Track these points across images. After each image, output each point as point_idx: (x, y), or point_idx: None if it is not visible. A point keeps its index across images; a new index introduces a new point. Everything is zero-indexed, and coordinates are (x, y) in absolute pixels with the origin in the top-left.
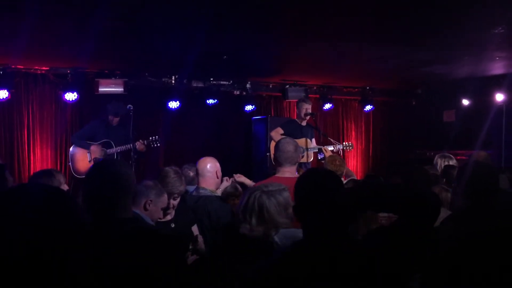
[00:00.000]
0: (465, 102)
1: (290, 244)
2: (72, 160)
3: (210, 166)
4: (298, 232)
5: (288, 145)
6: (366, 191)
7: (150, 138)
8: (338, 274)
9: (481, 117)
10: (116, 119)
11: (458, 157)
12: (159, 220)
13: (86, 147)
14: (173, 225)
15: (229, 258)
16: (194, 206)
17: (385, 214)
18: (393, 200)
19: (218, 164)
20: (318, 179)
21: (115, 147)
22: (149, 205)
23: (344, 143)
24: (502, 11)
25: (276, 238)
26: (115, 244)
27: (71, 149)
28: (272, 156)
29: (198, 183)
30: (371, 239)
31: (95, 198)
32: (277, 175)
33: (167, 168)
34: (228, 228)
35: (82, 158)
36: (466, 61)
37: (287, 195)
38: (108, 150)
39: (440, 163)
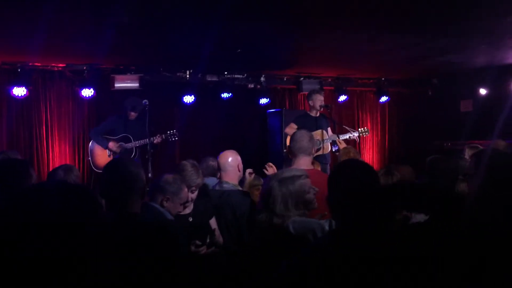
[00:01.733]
0: (483, 91)
1: (322, 237)
2: (92, 155)
3: (231, 159)
4: (312, 222)
5: (303, 136)
6: (401, 192)
7: (168, 132)
8: (372, 269)
9: (499, 107)
10: (134, 114)
11: None
12: (177, 213)
13: (104, 145)
14: (191, 219)
15: (254, 251)
16: (218, 201)
17: None
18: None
19: (239, 158)
20: (355, 172)
21: (134, 141)
22: (166, 202)
23: (359, 129)
24: None
25: (290, 228)
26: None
27: (90, 144)
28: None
29: (220, 177)
30: (407, 235)
31: (105, 195)
32: (292, 167)
33: (184, 162)
34: (250, 221)
35: (102, 153)
36: (482, 50)
37: (301, 183)
38: (127, 145)
39: (469, 152)
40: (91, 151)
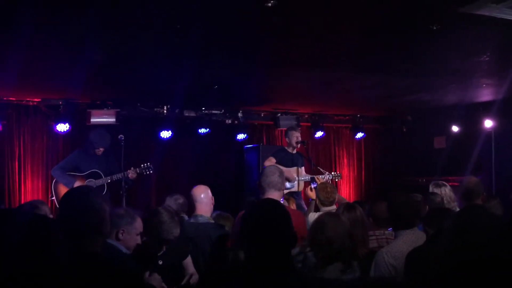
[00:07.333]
0: (455, 128)
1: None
2: (56, 194)
3: (206, 193)
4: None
5: (272, 171)
6: None
7: (142, 165)
8: None
9: (471, 143)
10: (101, 150)
11: (450, 183)
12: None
13: (70, 183)
14: (160, 262)
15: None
16: (194, 233)
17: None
18: None
19: (210, 191)
20: (265, 212)
21: (104, 177)
22: (121, 235)
23: (332, 173)
24: (486, 40)
25: None
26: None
27: (53, 182)
28: None
29: (194, 210)
30: None
31: (65, 229)
32: None
33: (160, 210)
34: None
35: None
36: (453, 88)
37: None
38: (97, 181)
39: (432, 190)
40: (55, 190)
